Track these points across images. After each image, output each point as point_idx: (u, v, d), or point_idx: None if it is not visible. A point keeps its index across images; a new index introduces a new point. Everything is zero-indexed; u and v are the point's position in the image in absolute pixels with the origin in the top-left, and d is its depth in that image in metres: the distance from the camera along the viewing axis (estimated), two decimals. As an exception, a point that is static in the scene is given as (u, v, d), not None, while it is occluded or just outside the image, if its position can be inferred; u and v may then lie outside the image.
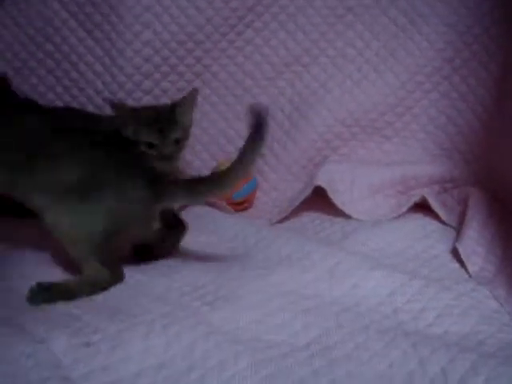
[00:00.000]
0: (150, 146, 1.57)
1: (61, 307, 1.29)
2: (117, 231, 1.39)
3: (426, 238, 1.61)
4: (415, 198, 1.73)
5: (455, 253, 1.52)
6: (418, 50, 1.86)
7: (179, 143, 1.62)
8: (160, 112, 1.63)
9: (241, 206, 1.82)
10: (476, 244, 1.51)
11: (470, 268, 1.44)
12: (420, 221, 1.69)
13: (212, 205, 1.78)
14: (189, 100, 1.65)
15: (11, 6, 1.87)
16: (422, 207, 1.74)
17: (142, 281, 1.40)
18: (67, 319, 1.23)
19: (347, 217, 1.73)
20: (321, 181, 1.73)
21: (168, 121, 1.61)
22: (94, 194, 1.36)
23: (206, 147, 1.95)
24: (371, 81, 1.89)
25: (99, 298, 1.34)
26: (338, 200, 1.73)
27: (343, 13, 1.87)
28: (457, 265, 1.49)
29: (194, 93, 1.65)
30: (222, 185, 1.38)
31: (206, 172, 1.88)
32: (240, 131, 1.92)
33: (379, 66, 1.88)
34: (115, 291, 1.36)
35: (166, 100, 1.86)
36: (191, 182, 1.46)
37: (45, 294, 1.32)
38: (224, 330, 1.18)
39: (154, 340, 1.14)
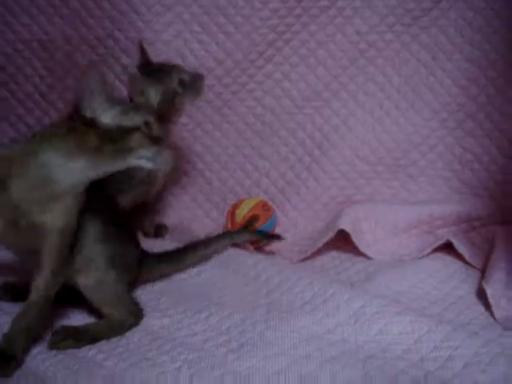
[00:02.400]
0: None
1: (84, 351, 1.28)
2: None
3: (449, 279, 1.58)
4: (440, 241, 1.70)
5: (479, 294, 1.50)
6: (441, 87, 1.84)
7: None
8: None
9: (260, 242, 1.79)
10: (505, 287, 1.47)
11: (498, 313, 1.41)
12: (442, 260, 1.66)
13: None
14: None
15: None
16: (444, 245, 1.71)
17: (164, 324, 1.38)
18: (90, 366, 1.22)
19: (368, 256, 1.71)
20: (345, 224, 1.70)
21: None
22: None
23: (225, 182, 1.94)
24: (393, 118, 1.88)
25: (122, 342, 1.31)
26: (361, 241, 1.71)
27: (365, 47, 1.85)
28: (482, 308, 1.46)
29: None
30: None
31: (225, 207, 1.89)
32: (259, 166, 1.92)
33: (401, 102, 1.87)
34: (137, 335, 1.34)
35: (185, 135, 1.90)
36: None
37: (70, 338, 1.30)
38: (251, 382, 1.17)
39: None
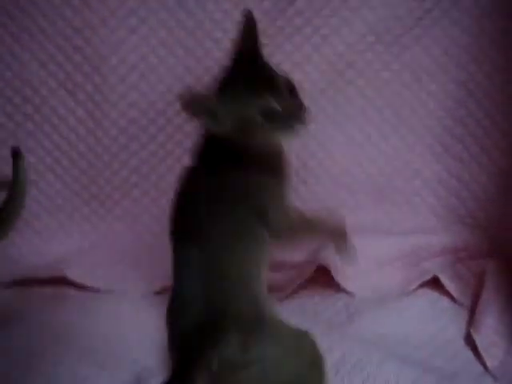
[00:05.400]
0: None
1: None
2: None
3: (436, 320, 1.49)
4: (426, 276, 1.60)
5: (468, 337, 1.41)
6: (425, 110, 1.74)
7: None
8: None
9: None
10: (495, 333, 1.38)
11: (489, 362, 1.32)
12: (428, 297, 1.57)
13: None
14: None
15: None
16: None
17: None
18: None
19: (349, 292, 1.60)
20: (324, 259, 1.60)
21: None
22: None
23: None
24: (375, 143, 1.76)
25: None
26: (341, 275, 1.60)
27: (343, 68, 1.74)
28: (470, 353, 1.37)
29: None
30: None
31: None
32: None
33: (383, 126, 1.75)
34: None
35: (153, 164, 1.81)
36: None
37: None
38: None
39: None
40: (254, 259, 1.23)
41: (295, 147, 1.74)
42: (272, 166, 1.27)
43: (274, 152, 1.28)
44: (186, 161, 1.72)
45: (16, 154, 1.35)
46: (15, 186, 1.35)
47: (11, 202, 1.36)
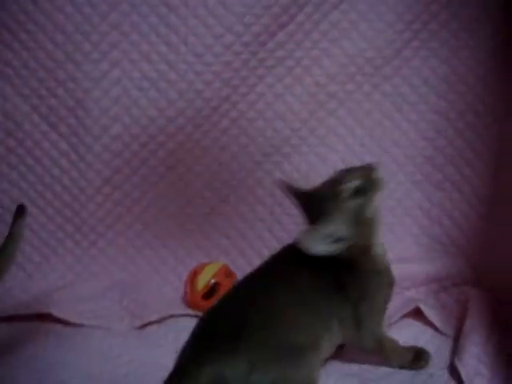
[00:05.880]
0: None
1: None
2: None
3: (419, 352, 1.47)
4: (409, 308, 1.59)
5: (453, 368, 1.38)
6: (406, 140, 1.75)
7: None
8: None
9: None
10: (478, 363, 1.36)
11: (474, 394, 1.31)
12: (411, 328, 1.55)
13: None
14: None
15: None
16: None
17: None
18: None
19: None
20: None
21: None
22: None
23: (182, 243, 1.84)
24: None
25: None
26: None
27: (325, 99, 1.75)
28: (455, 384, 1.36)
29: None
30: None
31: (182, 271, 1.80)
32: (217, 226, 1.82)
33: (364, 156, 1.75)
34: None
35: (137, 196, 1.81)
36: None
37: None
38: None
39: None
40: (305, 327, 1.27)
41: (278, 177, 1.75)
42: (377, 275, 1.35)
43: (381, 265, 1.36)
44: (168, 194, 1.77)
45: (21, 210, 1.39)
46: (10, 237, 1.36)
47: (4, 251, 1.37)
